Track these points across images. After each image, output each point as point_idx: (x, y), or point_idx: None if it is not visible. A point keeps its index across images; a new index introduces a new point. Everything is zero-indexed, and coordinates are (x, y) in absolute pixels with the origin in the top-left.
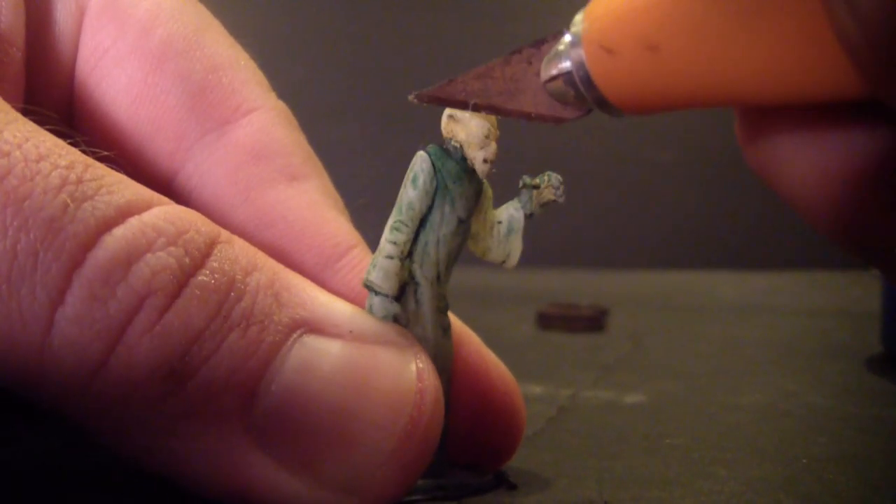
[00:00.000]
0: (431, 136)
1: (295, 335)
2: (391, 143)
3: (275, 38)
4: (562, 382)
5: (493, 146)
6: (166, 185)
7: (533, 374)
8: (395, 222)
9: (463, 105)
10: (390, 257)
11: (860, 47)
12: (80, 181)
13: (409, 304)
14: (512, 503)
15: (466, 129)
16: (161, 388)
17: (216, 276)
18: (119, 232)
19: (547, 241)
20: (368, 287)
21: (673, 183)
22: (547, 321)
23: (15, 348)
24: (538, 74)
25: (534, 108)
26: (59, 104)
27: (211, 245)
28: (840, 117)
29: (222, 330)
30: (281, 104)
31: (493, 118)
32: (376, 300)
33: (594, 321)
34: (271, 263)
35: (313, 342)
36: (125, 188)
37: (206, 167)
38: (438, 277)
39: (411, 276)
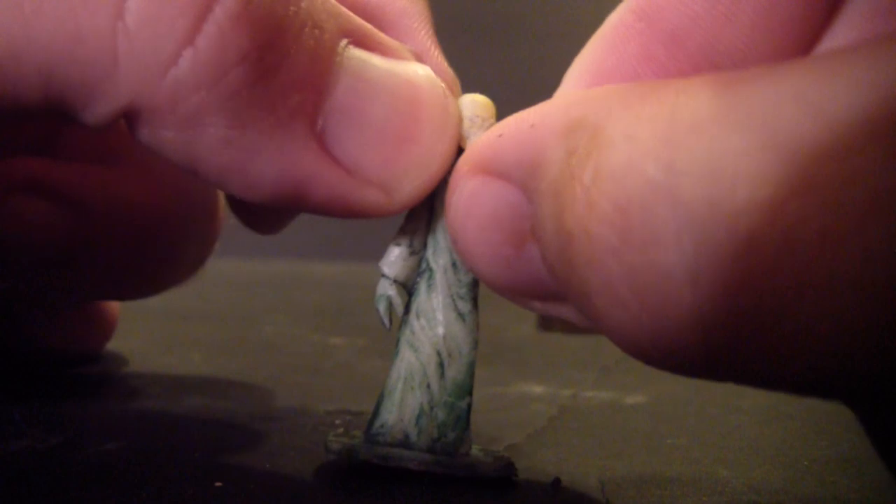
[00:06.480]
0: None
1: (343, 43)
2: None
3: None
4: (562, 382)
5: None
6: None
7: (534, 373)
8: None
9: None
10: (398, 244)
11: None
12: None
13: (422, 291)
14: (512, 502)
15: (465, 118)
16: (249, 75)
17: None
18: None
19: None
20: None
21: None
22: (548, 321)
23: (82, 39)
24: None
25: None
26: None
27: None
28: None
29: (296, 24)
30: None
31: (491, 107)
32: (381, 280)
33: None
34: None
35: (359, 53)
36: None
37: None
38: (454, 263)
39: (426, 264)
